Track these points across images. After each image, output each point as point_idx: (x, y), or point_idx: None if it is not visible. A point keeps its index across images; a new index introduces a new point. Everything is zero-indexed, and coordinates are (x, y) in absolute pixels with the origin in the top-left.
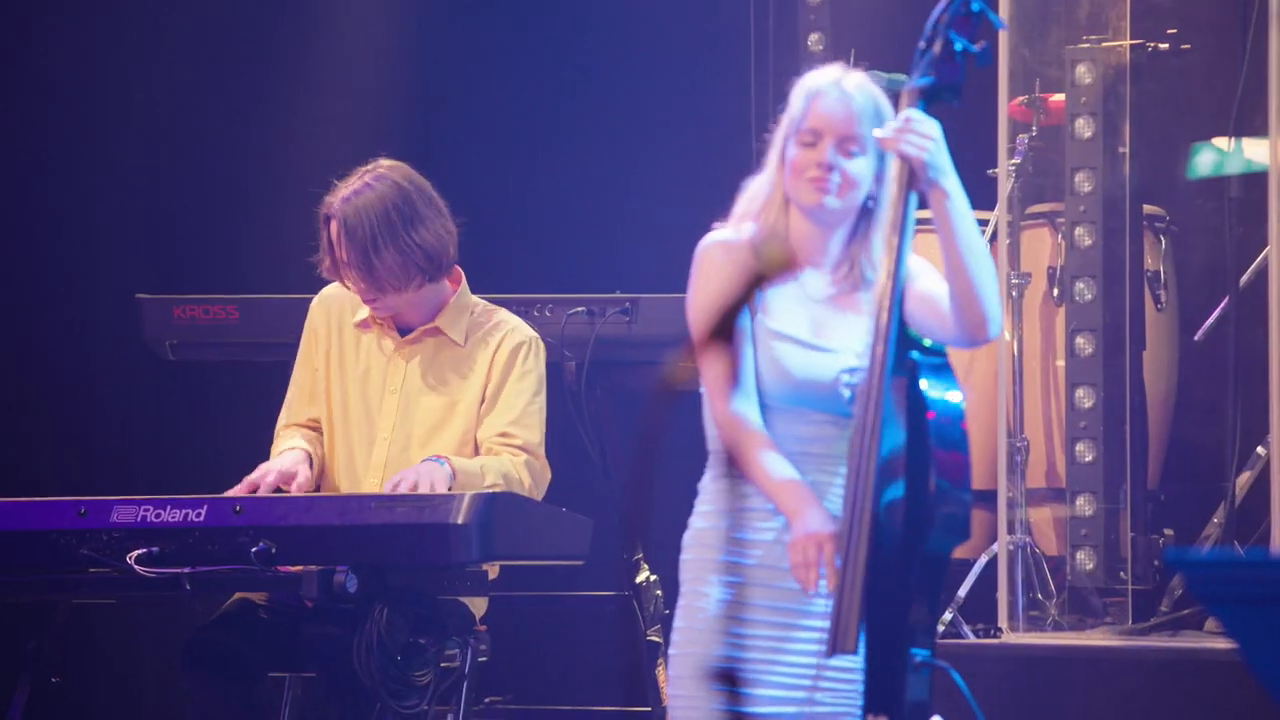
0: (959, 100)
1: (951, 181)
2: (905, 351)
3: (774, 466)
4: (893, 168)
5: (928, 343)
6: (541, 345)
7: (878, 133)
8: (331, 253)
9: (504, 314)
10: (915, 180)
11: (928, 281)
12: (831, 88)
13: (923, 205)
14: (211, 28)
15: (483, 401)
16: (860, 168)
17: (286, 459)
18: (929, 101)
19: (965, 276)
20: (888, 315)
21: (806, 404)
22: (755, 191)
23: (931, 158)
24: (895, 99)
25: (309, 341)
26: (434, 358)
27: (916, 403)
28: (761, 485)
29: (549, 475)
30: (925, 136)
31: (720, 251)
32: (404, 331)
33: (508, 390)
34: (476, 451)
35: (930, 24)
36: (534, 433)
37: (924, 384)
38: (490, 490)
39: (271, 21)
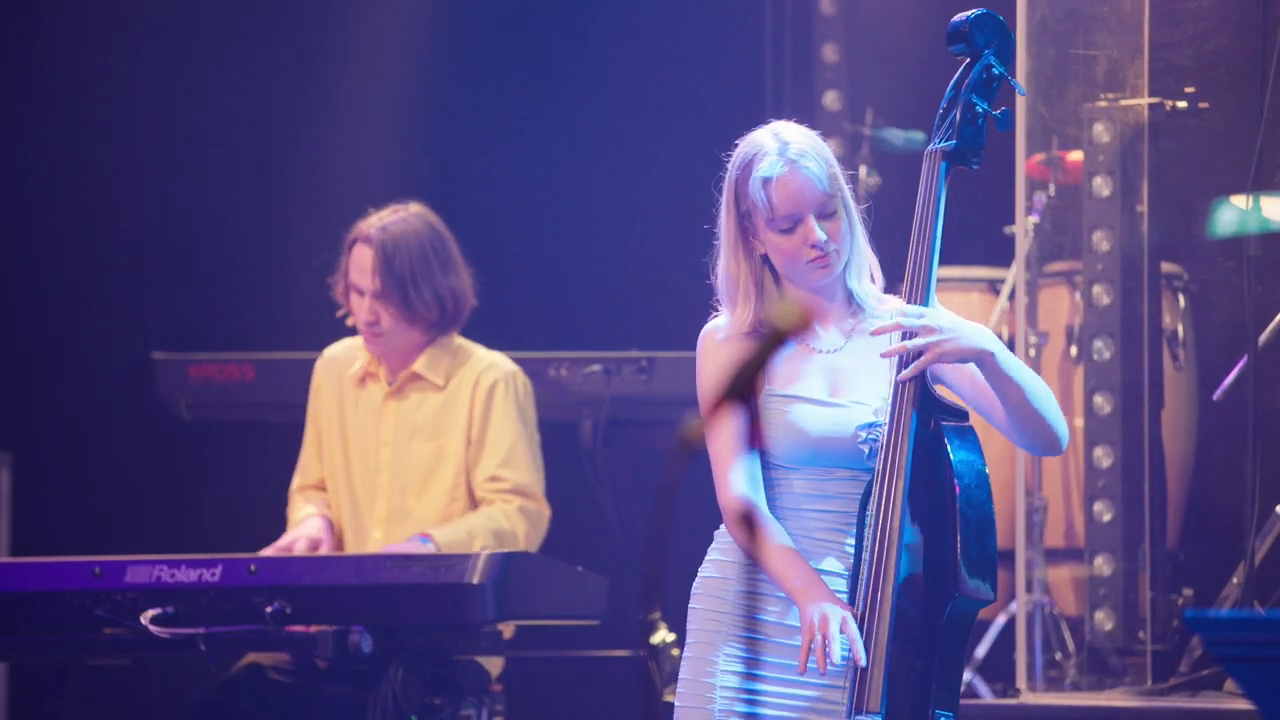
0: (979, 163)
1: (990, 343)
2: (928, 414)
3: (782, 551)
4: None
5: (943, 401)
6: (523, 378)
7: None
8: (347, 276)
9: (480, 351)
10: (921, 390)
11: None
12: (783, 167)
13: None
14: (226, 86)
15: (469, 444)
16: (841, 221)
17: (310, 526)
18: (950, 165)
19: (1032, 410)
20: (908, 389)
21: (826, 462)
22: (730, 282)
23: (951, 344)
24: (907, 158)
25: (314, 401)
26: (419, 404)
27: (941, 466)
28: (770, 571)
29: (548, 513)
30: (928, 332)
31: (716, 341)
32: (392, 381)
33: (492, 430)
34: (471, 496)
35: (951, 87)
36: (524, 472)
37: (949, 448)
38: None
39: (285, 79)
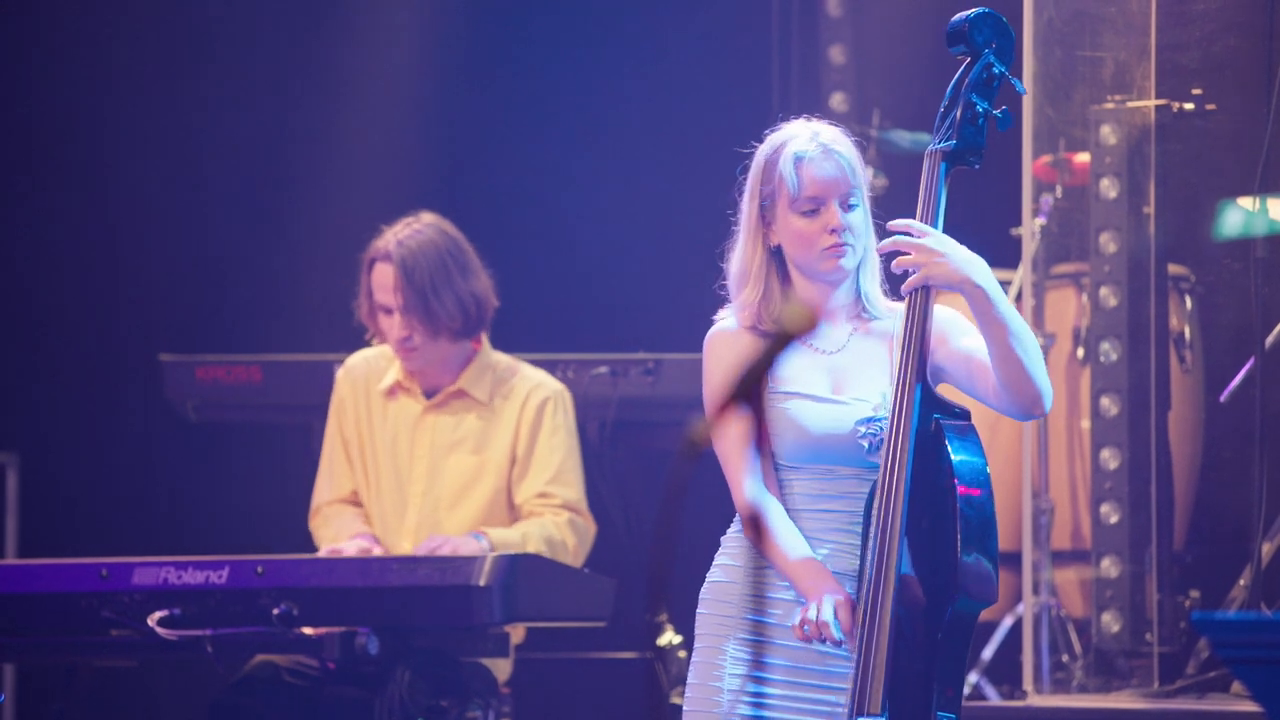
0: (980, 163)
1: (981, 275)
2: (929, 414)
3: (791, 547)
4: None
5: (942, 397)
6: (568, 397)
7: (902, 270)
8: (371, 298)
9: (527, 369)
10: (930, 305)
11: (967, 340)
12: (815, 149)
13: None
14: (236, 89)
15: (513, 461)
16: (860, 216)
17: (354, 547)
18: (950, 164)
19: (1015, 359)
20: (909, 390)
21: (829, 459)
22: (742, 269)
23: (940, 266)
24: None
25: (338, 412)
26: (460, 419)
27: (942, 467)
28: (779, 567)
29: (594, 529)
30: (925, 251)
31: (724, 340)
32: (429, 394)
33: (540, 448)
34: (511, 509)
35: (951, 87)
36: (573, 489)
37: (949, 448)
38: (513, 552)
39: (294, 82)
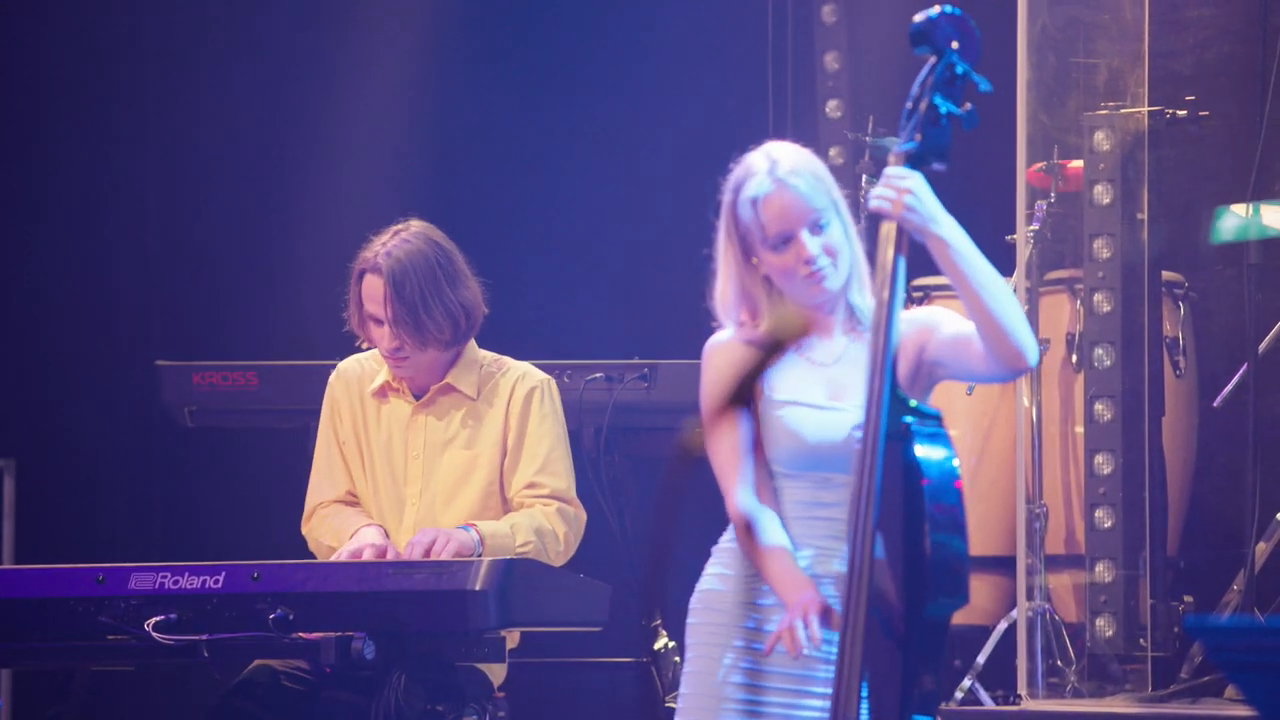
0: (945, 163)
1: (946, 228)
2: (899, 416)
3: (776, 557)
4: (883, 229)
5: (913, 403)
6: (554, 386)
7: (873, 206)
8: (361, 308)
9: (512, 362)
10: (904, 237)
11: (952, 325)
12: (771, 185)
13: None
14: (231, 94)
15: (504, 453)
16: (836, 233)
17: (372, 534)
18: (914, 165)
19: (988, 315)
20: (880, 380)
21: (824, 466)
22: (733, 301)
23: (911, 211)
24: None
25: (332, 417)
26: (449, 414)
27: (911, 468)
28: (764, 576)
29: (584, 516)
30: (902, 191)
31: (723, 352)
32: (418, 395)
33: (529, 438)
34: (504, 502)
35: (916, 86)
36: (561, 478)
37: (918, 449)
38: (510, 555)
39: (288, 87)
